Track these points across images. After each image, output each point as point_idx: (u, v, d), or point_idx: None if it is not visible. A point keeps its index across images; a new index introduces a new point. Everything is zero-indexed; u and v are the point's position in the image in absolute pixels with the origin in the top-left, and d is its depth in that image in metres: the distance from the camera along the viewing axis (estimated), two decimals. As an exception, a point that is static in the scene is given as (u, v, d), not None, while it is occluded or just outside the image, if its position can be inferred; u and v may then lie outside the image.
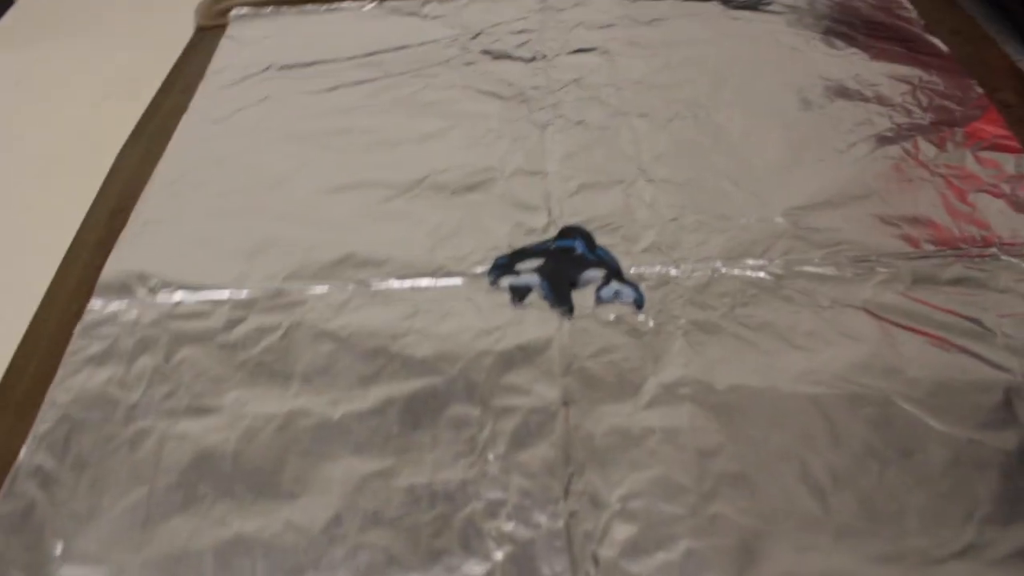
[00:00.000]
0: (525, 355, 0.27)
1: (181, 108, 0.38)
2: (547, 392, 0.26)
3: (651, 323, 0.27)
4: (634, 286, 0.28)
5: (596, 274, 0.29)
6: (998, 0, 0.43)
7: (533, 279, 0.29)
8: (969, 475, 0.23)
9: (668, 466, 0.24)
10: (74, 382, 0.27)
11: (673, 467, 0.24)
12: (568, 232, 0.30)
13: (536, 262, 0.29)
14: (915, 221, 0.30)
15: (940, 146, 0.33)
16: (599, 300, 0.28)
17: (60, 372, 0.28)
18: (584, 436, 0.24)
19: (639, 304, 0.28)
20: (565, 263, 0.29)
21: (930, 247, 0.29)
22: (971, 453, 0.24)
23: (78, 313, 0.29)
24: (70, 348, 0.28)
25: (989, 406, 0.25)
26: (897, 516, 0.23)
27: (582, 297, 0.28)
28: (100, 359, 0.28)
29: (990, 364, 0.26)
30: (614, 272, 0.29)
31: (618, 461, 0.24)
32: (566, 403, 0.25)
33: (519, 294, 0.28)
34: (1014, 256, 0.29)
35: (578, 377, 0.26)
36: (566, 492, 0.23)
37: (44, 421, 0.26)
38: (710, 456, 0.24)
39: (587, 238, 0.30)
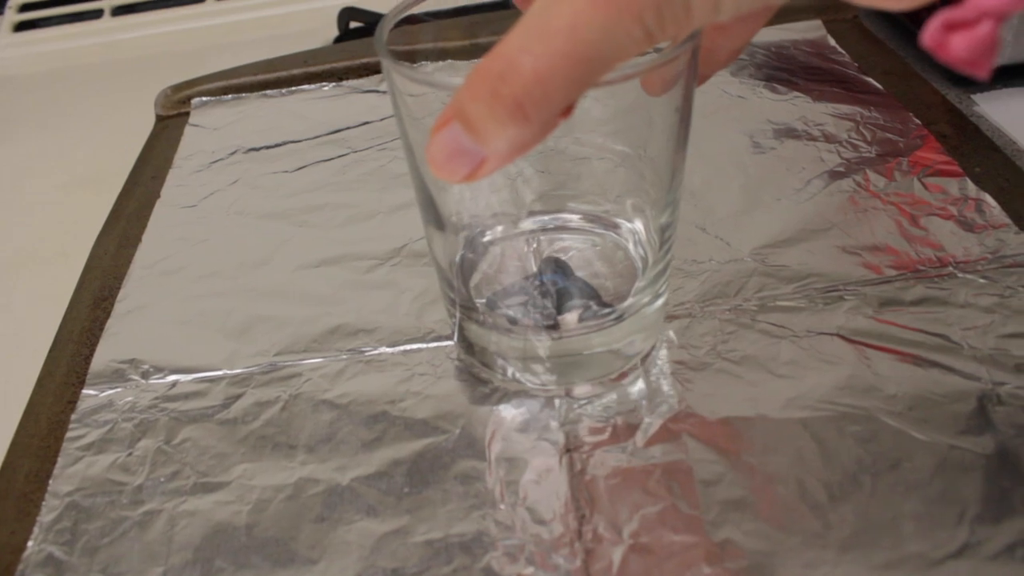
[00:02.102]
0: (523, 407, 0.28)
1: (153, 195, 0.38)
2: (549, 440, 0.26)
3: (640, 366, 0.29)
4: (612, 307, 0.29)
5: (577, 301, 0.29)
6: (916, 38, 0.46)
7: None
8: (956, 479, 0.24)
9: (673, 499, 0.25)
10: (75, 470, 0.27)
11: (678, 500, 0.25)
12: (546, 265, 0.31)
13: (519, 299, 0.30)
14: (874, 249, 0.32)
15: (888, 176, 0.35)
16: (581, 320, 0.29)
17: (60, 462, 0.28)
18: (590, 479, 0.25)
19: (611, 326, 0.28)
20: (548, 291, 0.30)
21: (891, 272, 0.31)
22: (955, 459, 0.25)
23: (71, 403, 0.30)
24: (68, 437, 0.28)
25: (965, 414, 0.26)
26: (893, 524, 0.24)
27: (567, 319, 0.29)
28: (100, 446, 0.28)
29: (961, 375, 0.27)
30: (593, 296, 0.30)
31: (624, 499, 0.25)
32: (568, 450, 0.26)
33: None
34: (969, 273, 0.31)
35: (577, 423, 0.27)
36: (579, 533, 0.24)
37: (49, 511, 0.26)
38: (712, 485, 0.25)
39: (564, 267, 0.31)
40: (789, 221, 0.34)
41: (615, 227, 0.31)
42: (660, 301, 0.29)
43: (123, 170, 0.41)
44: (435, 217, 0.28)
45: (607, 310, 0.28)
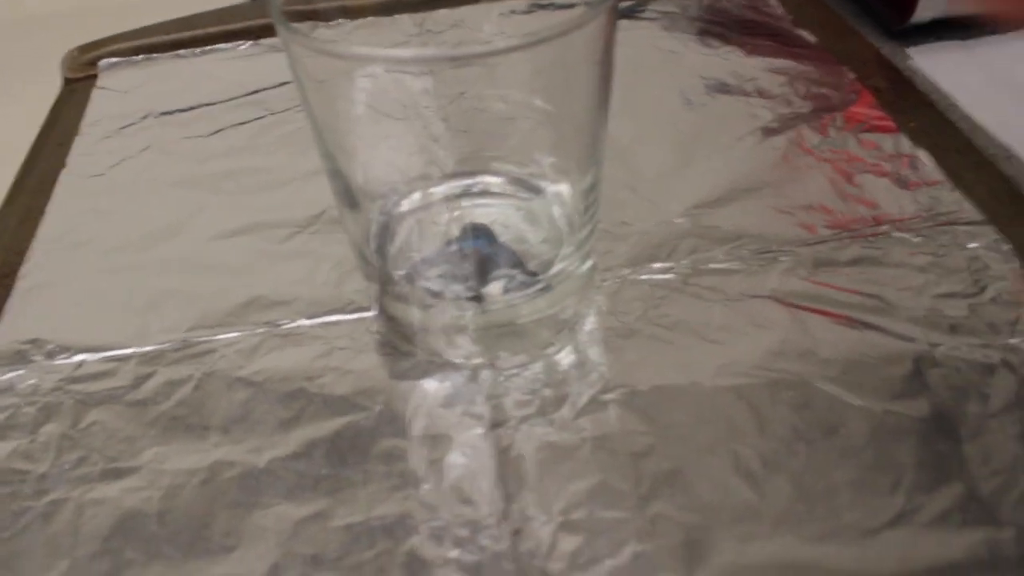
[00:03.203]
0: (447, 380, 0.26)
1: (58, 164, 0.36)
2: (474, 415, 0.25)
3: (568, 334, 0.27)
4: (538, 275, 0.28)
5: (501, 269, 0.28)
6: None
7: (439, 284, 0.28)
8: (890, 446, 0.24)
9: (604, 473, 0.24)
10: (-28, 461, 0.26)
11: (609, 473, 0.24)
12: (470, 231, 0.30)
13: (440, 269, 0.29)
14: (809, 208, 0.31)
15: (823, 132, 0.35)
16: (507, 291, 0.28)
17: (-44, 453, 0.26)
18: (517, 455, 0.24)
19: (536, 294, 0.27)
20: (469, 259, 0.29)
21: (826, 231, 0.30)
22: (890, 424, 0.24)
23: (-32, 389, 0.28)
24: (-36, 427, 0.27)
25: (900, 376, 0.26)
26: (829, 494, 0.23)
27: (491, 289, 0.28)
28: (0, 432, 0.26)
29: (896, 336, 0.27)
30: (518, 264, 0.29)
31: (554, 475, 0.24)
32: (495, 425, 0.25)
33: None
34: (904, 231, 0.30)
35: (503, 396, 0.26)
36: (506, 512, 0.23)
37: (-57, 507, 0.24)
38: (643, 457, 0.24)
39: (488, 234, 0.30)
40: (721, 180, 0.33)
41: (538, 190, 0.30)
42: (587, 266, 0.27)
43: (27, 137, 0.39)
44: (344, 188, 0.26)
45: (533, 279, 0.27)
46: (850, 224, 0.30)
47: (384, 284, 0.27)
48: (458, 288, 0.27)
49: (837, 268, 0.29)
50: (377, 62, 0.21)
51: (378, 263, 0.27)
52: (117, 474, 0.25)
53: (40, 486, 0.25)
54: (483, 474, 0.24)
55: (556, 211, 0.28)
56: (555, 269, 0.27)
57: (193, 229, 0.33)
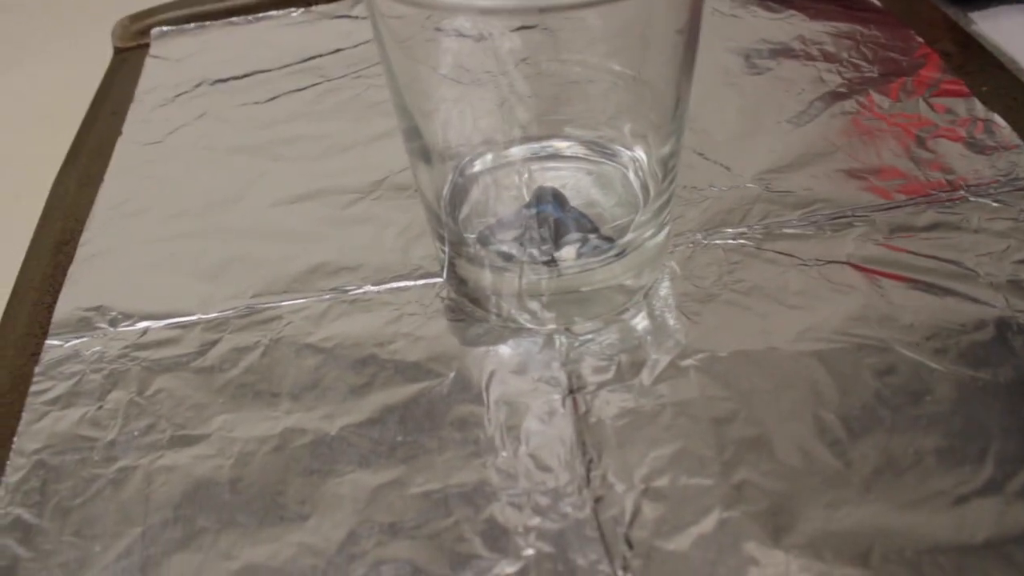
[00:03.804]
0: (521, 347, 0.26)
1: (114, 131, 0.36)
2: (550, 382, 0.25)
3: (643, 300, 0.27)
4: (612, 240, 0.27)
5: (575, 233, 0.28)
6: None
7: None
8: (977, 412, 0.23)
9: (686, 440, 0.23)
10: (42, 426, 0.25)
11: (691, 440, 0.23)
12: (540, 195, 0.29)
13: (513, 232, 0.28)
14: (882, 172, 0.30)
15: (893, 96, 0.34)
16: (580, 256, 0.27)
17: (25, 417, 0.26)
18: (595, 422, 0.24)
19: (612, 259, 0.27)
20: (543, 223, 0.28)
21: (901, 196, 0.29)
22: (976, 390, 0.24)
23: (35, 355, 0.28)
24: (32, 391, 0.26)
25: (984, 343, 0.25)
26: (916, 460, 0.22)
27: (565, 254, 0.27)
28: (67, 399, 0.26)
29: (977, 302, 0.26)
30: (592, 229, 0.28)
31: (634, 441, 0.23)
32: (572, 391, 0.25)
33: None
34: (981, 196, 0.29)
35: (579, 362, 0.25)
36: (587, 480, 0.23)
37: (15, 471, 0.24)
38: (726, 423, 0.23)
39: (560, 198, 0.29)
40: (791, 145, 0.32)
41: (613, 155, 0.29)
42: (663, 233, 0.27)
43: (79, 107, 0.39)
44: (420, 147, 0.26)
45: (607, 244, 0.26)
46: (926, 189, 0.30)
47: (456, 246, 0.27)
48: (532, 252, 0.27)
49: (914, 233, 0.28)
50: (460, 11, 0.21)
51: (450, 225, 0.27)
52: (186, 441, 0.25)
53: (109, 453, 0.25)
54: (562, 441, 0.24)
55: (632, 177, 0.28)
56: (630, 235, 0.26)
57: (254, 196, 0.32)
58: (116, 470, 0.24)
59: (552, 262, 0.26)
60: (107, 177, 0.34)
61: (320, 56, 0.39)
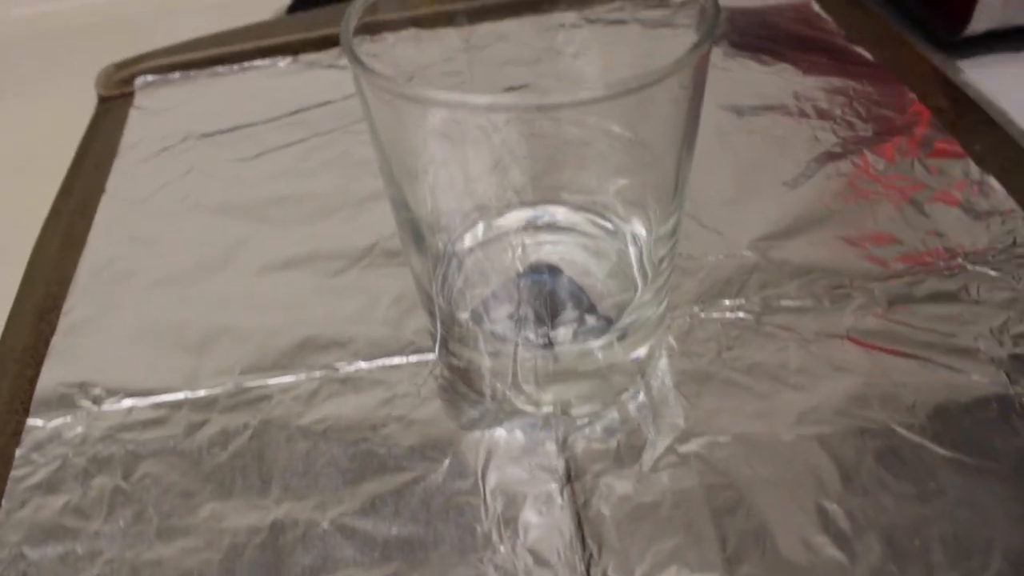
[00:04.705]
0: (517, 431, 0.25)
1: (97, 188, 0.35)
2: (548, 469, 0.24)
3: (640, 378, 0.26)
4: (610, 321, 0.27)
5: (571, 313, 0.27)
6: (901, 2, 0.44)
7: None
8: (983, 500, 0.23)
9: (687, 533, 0.23)
10: (22, 515, 0.25)
11: (692, 533, 0.23)
12: (536, 270, 0.29)
13: (508, 308, 0.28)
14: (879, 239, 0.30)
15: (888, 157, 0.33)
16: (576, 337, 0.27)
17: (4, 505, 0.25)
18: (595, 513, 0.23)
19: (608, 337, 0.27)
20: (538, 301, 0.28)
21: (899, 265, 0.29)
22: (979, 476, 0.23)
23: (15, 435, 0.27)
24: (12, 476, 0.26)
25: (987, 423, 0.25)
26: (922, 552, 0.22)
27: (561, 335, 0.27)
28: (49, 485, 0.25)
29: (978, 381, 0.26)
30: (589, 307, 0.28)
31: (634, 535, 0.23)
32: (570, 479, 0.24)
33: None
34: (979, 264, 0.29)
35: (577, 447, 0.25)
36: (588, 572, 0.22)
37: (-5, 567, 0.24)
38: (727, 514, 0.23)
39: (555, 273, 0.29)
40: (787, 209, 0.32)
41: (611, 228, 0.29)
42: (662, 308, 0.26)
43: (60, 155, 0.38)
44: (409, 220, 0.25)
45: (605, 324, 0.26)
46: (923, 257, 0.29)
47: (447, 325, 0.26)
48: (527, 333, 0.26)
49: (913, 305, 0.28)
50: (457, 108, 0.20)
51: (440, 303, 0.26)
52: (174, 533, 0.24)
53: (94, 545, 0.24)
54: (560, 534, 0.23)
55: (631, 251, 0.27)
56: (630, 316, 0.26)
57: (241, 261, 0.32)
58: (102, 564, 0.23)
59: (548, 344, 0.26)
60: (90, 238, 0.33)
61: (308, 109, 0.38)
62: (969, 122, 0.35)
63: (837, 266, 0.29)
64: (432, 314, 0.26)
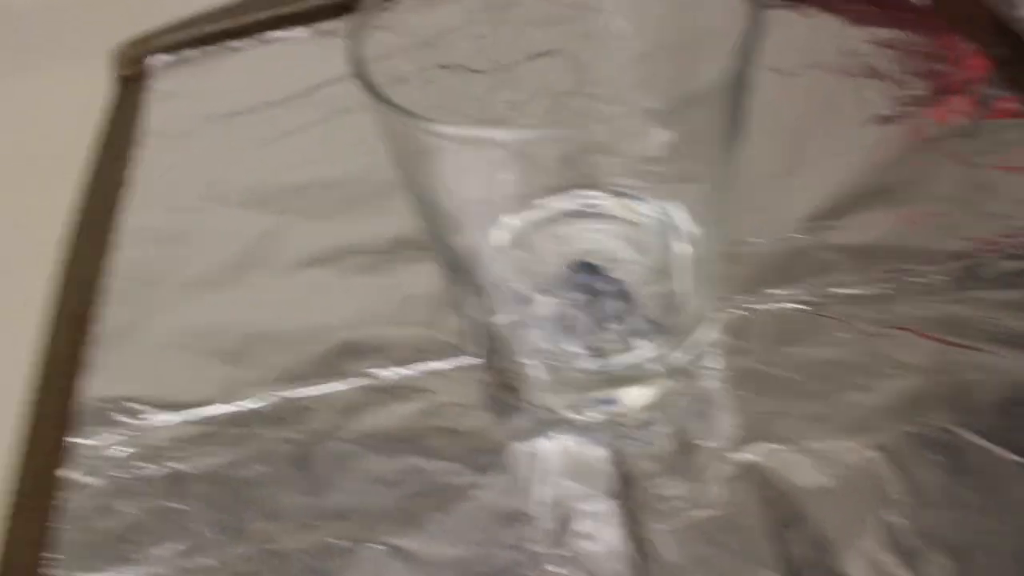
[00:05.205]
0: (566, 441, 0.25)
1: (119, 181, 0.34)
2: (599, 483, 0.24)
3: (691, 378, 0.26)
4: (655, 321, 0.26)
5: (613, 306, 0.26)
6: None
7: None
8: (1054, 508, 0.22)
9: (745, 553, 0.22)
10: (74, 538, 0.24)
11: (751, 550, 0.22)
12: (576, 270, 0.28)
13: (551, 303, 0.26)
14: (939, 215, 0.29)
15: (943, 119, 0.32)
16: (622, 339, 0.26)
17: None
18: (648, 531, 0.23)
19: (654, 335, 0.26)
20: (580, 303, 0.27)
21: (963, 244, 0.28)
22: (1052, 483, 0.23)
23: (55, 451, 0.26)
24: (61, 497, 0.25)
25: (1059, 426, 0.24)
26: (991, 570, 0.21)
27: (606, 338, 0.26)
28: (96, 508, 0.25)
29: (1050, 375, 0.24)
30: (633, 307, 0.26)
31: (689, 553, 0.22)
32: (622, 494, 0.23)
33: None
34: (1050, 242, 0.27)
35: (627, 458, 0.24)
36: (644, 601, 0.22)
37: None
38: (787, 529, 0.22)
39: (596, 273, 0.28)
40: (837, 183, 0.30)
41: (652, 216, 0.27)
42: (711, 302, 0.25)
43: (73, 142, 0.37)
44: (431, 216, 0.24)
45: (653, 325, 0.25)
46: (990, 236, 0.28)
47: (485, 332, 0.25)
48: (571, 337, 0.25)
49: (981, 291, 0.26)
50: (497, 146, 0.19)
51: (476, 307, 0.25)
52: (225, 555, 0.24)
53: (148, 570, 0.24)
54: (614, 553, 0.22)
55: (675, 245, 0.26)
56: (678, 313, 0.25)
57: (269, 258, 0.31)
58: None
59: (593, 348, 0.25)
60: (118, 239, 0.32)
61: (327, 85, 0.37)
62: (1032, 75, 0.33)
63: (894, 248, 0.28)
64: (466, 319, 0.25)
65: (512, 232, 0.28)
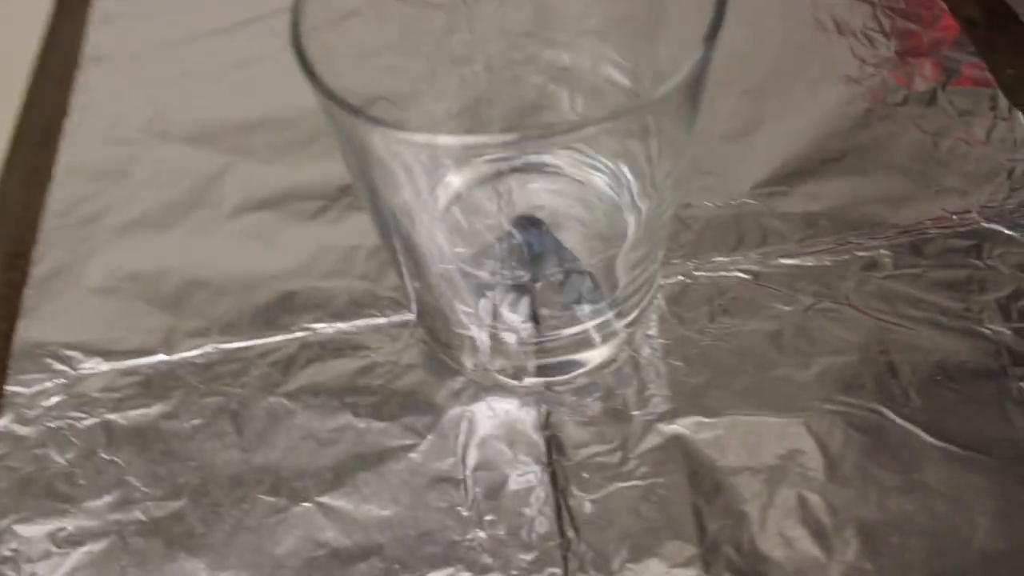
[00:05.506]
0: (499, 405, 0.25)
1: (60, 111, 0.33)
2: (529, 449, 0.24)
3: (627, 344, 0.26)
4: (594, 281, 0.26)
5: (556, 275, 0.26)
6: None
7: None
8: (967, 495, 0.23)
9: (665, 524, 0.22)
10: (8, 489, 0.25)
11: (671, 525, 0.22)
12: (519, 223, 0.28)
13: (487, 270, 0.26)
14: (890, 187, 0.28)
15: (908, 84, 0.31)
16: (564, 304, 0.26)
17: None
18: (574, 500, 0.23)
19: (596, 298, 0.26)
20: (520, 262, 0.26)
21: (909, 217, 0.27)
22: (968, 469, 0.23)
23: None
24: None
25: (982, 410, 0.24)
26: (899, 550, 0.22)
27: (544, 300, 0.26)
28: (32, 458, 0.25)
29: (978, 361, 0.25)
30: (574, 268, 0.26)
31: (613, 523, 0.23)
32: (551, 461, 0.24)
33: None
34: (995, 221, 0.27)
35: (560, 425, 0.24)
36: (564, 563, 0.22)
37: None
38: (708, 504, 0.23)
39: (539, 228, 0.27)
40: (793, 146, 0.30)
41: (602, 172, 0.27)
42: (655, 268, 0.25)
43: (8, 67, 0.35)
44: (362, 169, 0.23)
45: (592, 286, 0.25)
46: (936, 209, 0.28)
47: (421, 291, 0.25)
48: (507, 298, 0.25)
49: (920, 267, 0.26)
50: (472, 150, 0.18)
51: (411, 266, 0.25)
52: (159, 508, 0.24)
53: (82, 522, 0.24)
54: (540, 520, 0.23)
55: (625, 204, 0.25)
56: (621, 276, 0.24)
57: (214, 200, 0.30)
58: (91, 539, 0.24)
59: (530, 310, 0.25)
60: (56, 172, 0.31)
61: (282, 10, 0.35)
62: (1005, 40, 0.32)
63: (841, 218, 0.28)
64: (403, 277, 0.25)
65: (451, 187, 0.27)
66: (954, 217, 0.27)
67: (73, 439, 0.25)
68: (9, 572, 0.23)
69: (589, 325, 0.25)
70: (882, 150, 0.29)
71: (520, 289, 0.25)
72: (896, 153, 0.29)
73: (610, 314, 0.25)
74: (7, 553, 0.23)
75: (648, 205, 0.25)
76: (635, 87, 0.26)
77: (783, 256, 0.27)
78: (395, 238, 0.24)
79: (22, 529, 0.24)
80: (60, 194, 0.31)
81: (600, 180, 0.27)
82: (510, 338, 0.25)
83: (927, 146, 0.29)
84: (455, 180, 0.27)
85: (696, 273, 0.27)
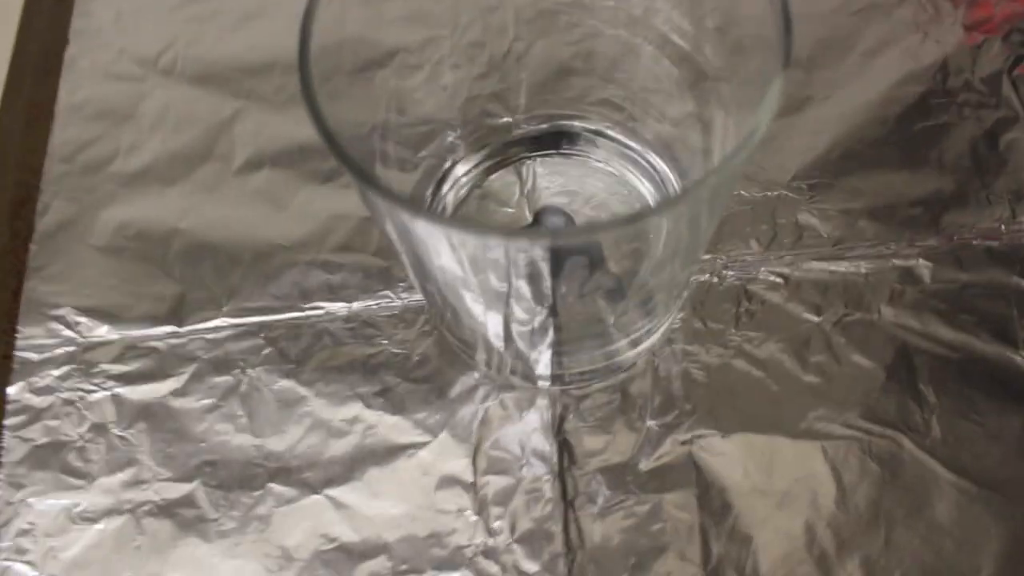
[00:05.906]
0: (513, 408, 0.25)
1: (60, 40, 0.31)
2: (541, 457, 0.24)
3: (648, 349, 0.25)
4: (617, 279, 0.25)
5: (579, 260, 0.25)
6: None
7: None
8: (976, 532, 0.23)
9: (672, 544, 0.23)
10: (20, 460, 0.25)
11: (677, 545, 0.23)
12: (545, 214, 0.27)
13: (503, 265, 0.25)
14: (938, 187, 0.27)
15: (972, 67, 0.28)
16: (582, 295, 0.25)
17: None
18: (582, 512, 0.23)
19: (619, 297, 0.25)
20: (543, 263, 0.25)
21: (954, 224, 0.26)
22: (980, 509, 0.23)
23: (6, 357, 0.26)
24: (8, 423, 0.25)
25: (1004, 450, 0.23)
26: (901, 586, 0.22)
27: (566, 289, 0.25)
28: (44, 429, 0.25)
29: (1013, 396, 0.24)
30: (598, 261, 0.25)
31: (618, 540, 0.23)
32: (562, 471, 0.24)
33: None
34: (1046, 233, 0.26)
35: (574, 433, 0.24)
36: (569, 572, 0.22)
37: None
38: (715, 526, 0.23)
39: (567, 218, 0.26)
40: (840, 132, 0.28)
41: (638, 161, 0.26)
42: (686, 275, 0.24)
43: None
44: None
45: (616, 283, 0.24)
46: (985, 217, 0.26)
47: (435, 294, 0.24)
48: (525, 294, 0.24)
49: (961, 284, 0.25)
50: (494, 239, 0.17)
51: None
52: (168, 488, 0.24)
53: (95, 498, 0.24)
54: (548, 530, 0.23)
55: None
56: (647, 276, 0.23)
57: (222, 150, 0.28)
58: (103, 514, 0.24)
59: (550, 308, 0.24)
60: (57, 110, 0.29)
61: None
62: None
63: (884, 220, 0.26)
64: (411, 275, 0.24)
65: (464, 169, 0.26)
66: (1003, 228, 0.26)
67: (86, 412, 0.25)
68: (28, 545, 0.24)
69: (610, 327, 0.24)
70: (934, 143, 0.27)
71: (538, 282, 0.24)
72: (950, 148, 0.27)
73: (633, 315, 0.24)
74: (25, 526, 0.24)
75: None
76: (693, 50, 0.24)
77: (816, 259, 0.26)
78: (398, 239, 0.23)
79: (37, 503, 0.24)
80: (63, 136, 0.29)
81: (632, 172, 0.26)
82: (526, 339, 0.24)
83: (984, 142, 0.27)
84: (467, 158, 0.25)
85: (725, 272, 0.26)
